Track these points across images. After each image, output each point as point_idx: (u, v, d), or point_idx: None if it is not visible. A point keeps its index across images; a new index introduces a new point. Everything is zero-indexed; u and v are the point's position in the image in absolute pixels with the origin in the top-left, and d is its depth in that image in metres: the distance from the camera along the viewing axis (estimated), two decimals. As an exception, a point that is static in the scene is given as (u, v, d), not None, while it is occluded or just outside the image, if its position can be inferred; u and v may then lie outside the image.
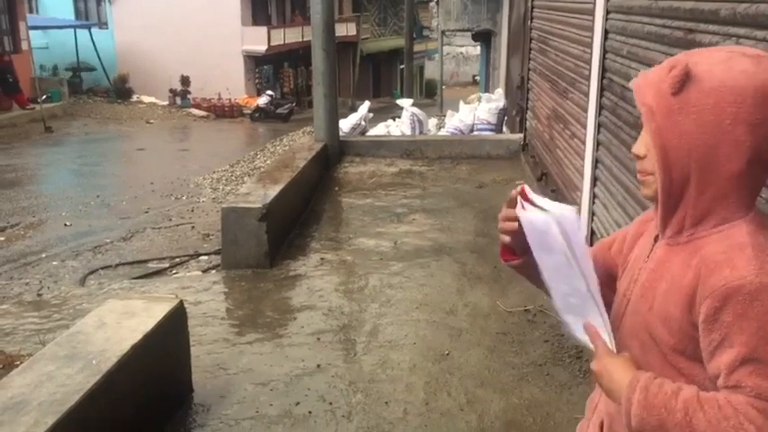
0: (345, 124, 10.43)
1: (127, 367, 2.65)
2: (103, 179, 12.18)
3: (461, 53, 42.78)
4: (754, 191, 1.18)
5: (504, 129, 10.30)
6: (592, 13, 4.34)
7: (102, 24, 27.14)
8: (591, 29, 4.37)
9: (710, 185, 1.15)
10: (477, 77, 27.96)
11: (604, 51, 4.00)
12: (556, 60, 5.78)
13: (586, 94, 4.50)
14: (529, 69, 7.40)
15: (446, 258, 5.05)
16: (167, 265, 6.23)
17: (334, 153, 7.76)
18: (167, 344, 3.05)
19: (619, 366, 1.21)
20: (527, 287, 4.55)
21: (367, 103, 11.55)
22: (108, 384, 2.51)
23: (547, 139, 6.12)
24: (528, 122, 7.40)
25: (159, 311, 3.03)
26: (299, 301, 4.43)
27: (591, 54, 4.37)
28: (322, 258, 5.14)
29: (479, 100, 11.01)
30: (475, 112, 10.27)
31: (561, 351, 3.67)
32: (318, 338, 3.88)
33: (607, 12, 3.95)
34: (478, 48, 22.57)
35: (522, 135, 7.71)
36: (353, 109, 15.77)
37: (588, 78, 4.43)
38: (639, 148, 1.24)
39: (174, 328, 3.11)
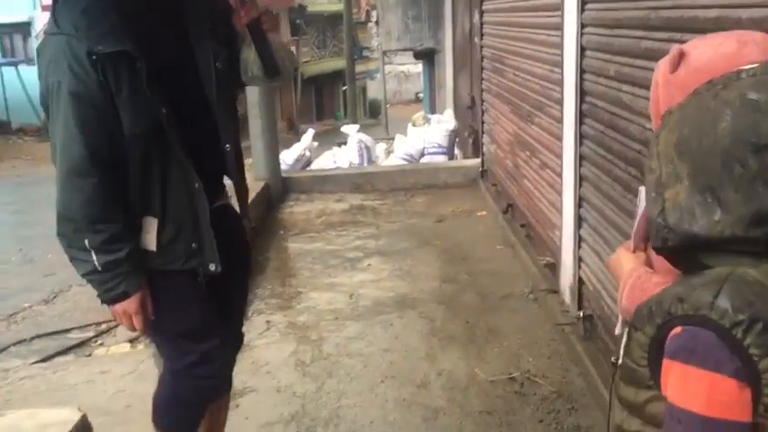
0: (289, 156, 9.78)
1: None
2: (30, 229, 11.15)
3: (403, 72, 42.55)
4: None
5: (456, 151, 9.78)
6: (560, 27, 3.80)
7: (30, 61, 25.91)
8: (560, 46, 3.82)
9: None
10: (421, 95, 27.65)
11: (581, 71, 3.45)
12: (515, 81, 5.24)
13: (559, 120, 3.95)
14: (482, 90, 6.86)
15: (410, 313, 4.41)
16: (91, 334, 5.44)
17: (276, 192, 7.09)
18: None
19: (628, 258, 1.45)
20: (507, 347, 3.98)
21: (311, 131, 10.92)
22: None
23: (510, 166, 5.56)
24: (485, 147, 6.85)
25: (53, 438, 2.33)
26: (242, 380, 3.72)
27: (562, 74, 3.82)
28: (268, 322, 4.46)
29: (424, 119, 10.50)
30: (425, 135, 9.74)
31: (559, 432, 3.07)
32: (266, 434, 3.20)
33: (582, 26, 3.40)
34: (419, 65, 22.21)
35: (479, 160, 7.15)
36: (298, 133, 15.11)
37: (560, 102, 3.88)
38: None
39: (73, 459, 2.40)
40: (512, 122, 5.43)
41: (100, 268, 2.03)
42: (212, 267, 2.21)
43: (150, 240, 2.14)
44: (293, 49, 31.23)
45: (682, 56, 1.33)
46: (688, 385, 1.01)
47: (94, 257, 2.03)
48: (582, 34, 3.40)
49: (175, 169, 2.11)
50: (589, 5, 3.33)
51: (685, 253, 1.11)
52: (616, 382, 1.25)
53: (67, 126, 1.96)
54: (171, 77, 2.07)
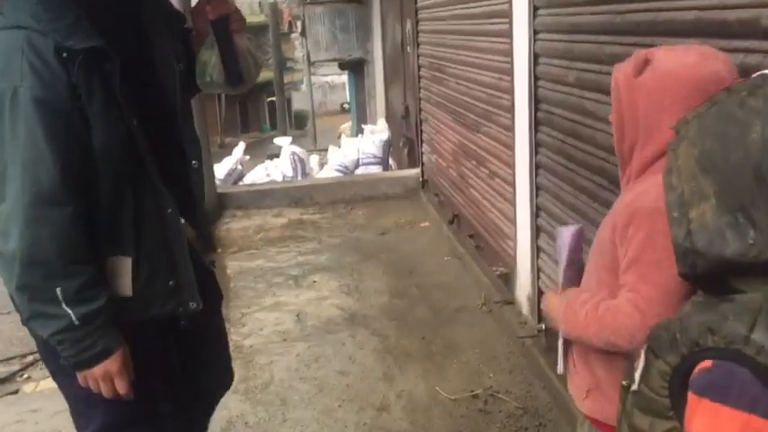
0: (220, 170, 9.50)
1: None
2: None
3: (328, 82, 42.38)
4: None
5: (391, 161, 9.70)
6: (509, 34, 3.73)
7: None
8: (509, 53, 3.75)
9: (651, 146, 1.44)
10: (346, 105, 27.51)
11: (535, 78, 3.38)
12: (457, 90, 5.17)
13: (509, 129, 3.89)
14: (420, 99, 6.78)
15: (362, 331, 4.25)
16: (17, 367, 5.05)
17: (211, 208, 6.81)
18: None
19: (556, 298, 1.66)
20: (467, 363, 3.87)
21: (242, 145, 10.67)
22: None
23: (455, 176, 5.48)
24: (426, 157, 6.76)
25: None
26: (190, 412, 3.49)
27: (512, 82, 3.75)
28: (212, 346, 4.22)
29: (352, 130, 10.37)
30: (359, 146, 9.62)
31: (529, 451, 2.97)
32: (220, 471, 2.99)
33: (535, 32, 3.33)
34: (344, 76, 22.06)
35: (419, 171, 7.06)
36: (223, 146, 14.66)
37: (511, 110, 3.81)
38: (612, 115, 1.53)
39: None
40: (455, 132, 5.35)
41: (77, 322, 1.64)
42: (193, 306, 1.88)
43: (124, 284, 1.78)
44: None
45: (646, 62, 1.42)
46: (719, 425, 0.94)
47: (69, 310, 1.63)
48: (535, 41, 3.33)
49: (148, 194, 1.78)
50: (541, 11, 3.27)
51: (714, 277, 1.02)
52: (628, 409, 1.15)
53: (32, 141, 1.58)
54: (133, 81, 1.74)
